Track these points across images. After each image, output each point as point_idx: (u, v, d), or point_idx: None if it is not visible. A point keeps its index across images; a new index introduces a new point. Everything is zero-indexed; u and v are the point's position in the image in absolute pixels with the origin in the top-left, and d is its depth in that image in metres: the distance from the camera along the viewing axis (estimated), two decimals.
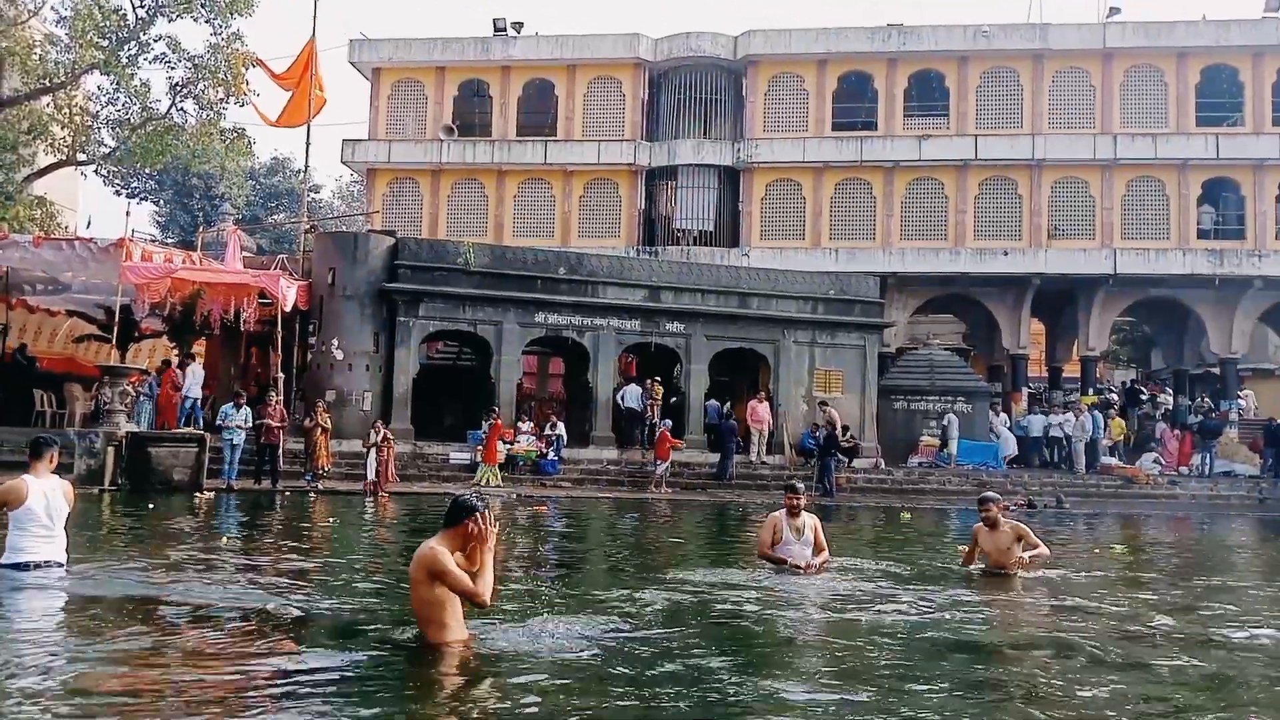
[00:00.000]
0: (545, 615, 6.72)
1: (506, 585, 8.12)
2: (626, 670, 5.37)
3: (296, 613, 6.71)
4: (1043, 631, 7.19)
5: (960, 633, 6.85)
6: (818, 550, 9.07)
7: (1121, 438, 25.89)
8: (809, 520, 9.08)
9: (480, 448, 20.55)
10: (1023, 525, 9.39)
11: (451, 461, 21.27)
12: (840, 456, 22.10)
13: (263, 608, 6.81)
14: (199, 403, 20.70)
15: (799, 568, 8.84)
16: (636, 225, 30.60)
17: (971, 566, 9.51)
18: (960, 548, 11.63)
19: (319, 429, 18.48)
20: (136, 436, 17.05)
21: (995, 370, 31.57)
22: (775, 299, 24.22)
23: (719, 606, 7.51)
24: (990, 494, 9.67)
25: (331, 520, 13.87)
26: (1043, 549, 9.20)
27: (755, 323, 24.03)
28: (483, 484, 19.28)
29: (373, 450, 18.37)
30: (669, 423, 22.00)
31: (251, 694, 4.77)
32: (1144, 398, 29.98)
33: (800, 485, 9.43)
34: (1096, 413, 25.84)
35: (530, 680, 5.04)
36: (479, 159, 31.10)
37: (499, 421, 20.34)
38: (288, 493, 17.23)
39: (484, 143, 31.25)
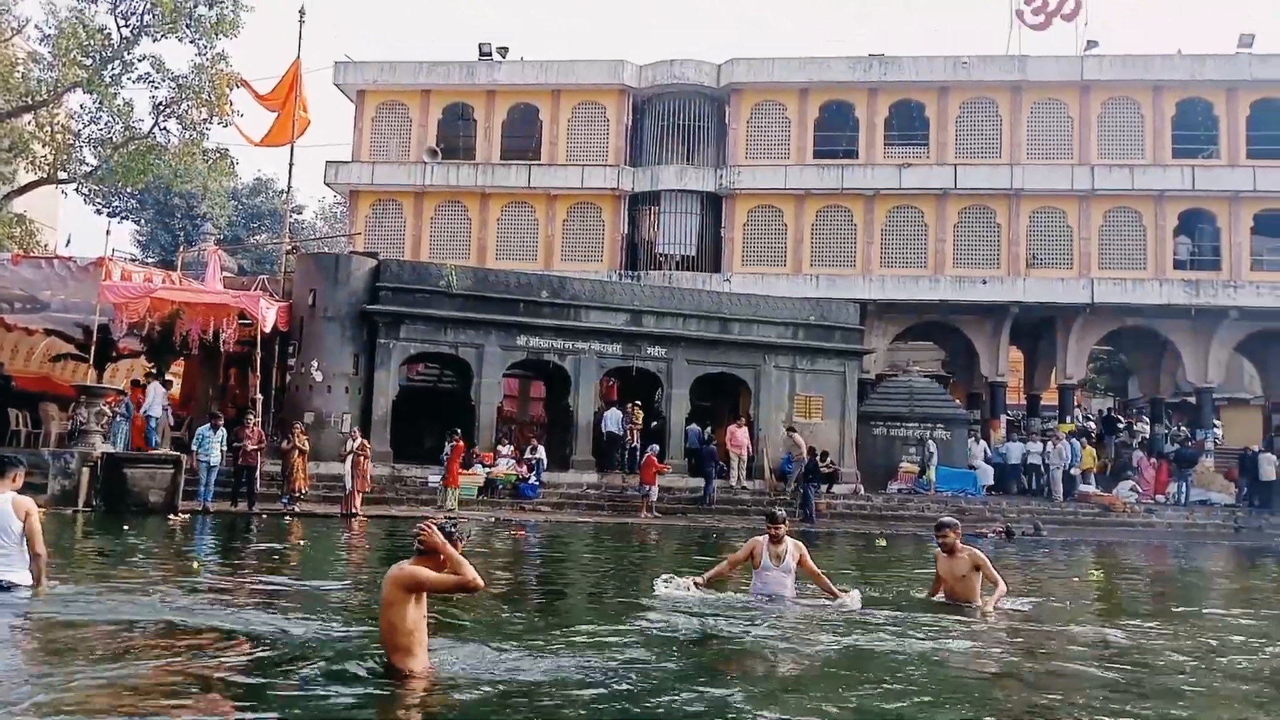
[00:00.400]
0: (509, 643, 6.69)
1: (476, 611, 8.10)
2: (586, 698, 5.35)
3: (263, 636, 6.66)
4: (1020, 659, 7.21)
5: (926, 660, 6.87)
6: (809, 575, 9.08)
7: (1093, 466, 26.01)
8: (791, 547, 9.05)
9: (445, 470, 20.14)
10: (981, 554, 9.17)
11: (430, 484, 21.13)
12: (819, 483, 22.13)
13: (228, 630, 6.76)
14: (158, 421, 20.40)
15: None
16: (619, 250, 30.70)
17: (937, 597, 9.37)
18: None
19: (296, 451, 18.38)
20: (112, 457, 16.89)
21: (974, 398, 31.76)
22: (756, 324, 24.31)
23: (688, 632, 7.50)
24: (948, 519, 9.46)
25: (303, 543, 13.77)
26: (1001, 585, 8.97)
27: (736, 348, 24.11)
28: (446, 508, 18.82)
29: (349, 460, 18.23)
30: (656, 448, 21.97)
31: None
32: (1121, 426, 30.24)
33: (780, 513, 9.35)
34: (1074, 441, 26.02)
35: (490, 710, 5.02)
36: (463, 182, 31.17)
37: (460, 444, 19.80)
38: (264, 515, 17.10)
39: (468, 166, 31.33)
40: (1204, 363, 28.76)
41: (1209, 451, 27.79)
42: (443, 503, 19.27)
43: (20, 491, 7.56)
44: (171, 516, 15.70)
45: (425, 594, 5.38)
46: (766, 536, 9.12)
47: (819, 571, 9.14)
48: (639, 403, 23.74)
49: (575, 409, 23.08)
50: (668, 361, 23.69)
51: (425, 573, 5.28)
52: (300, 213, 52.88)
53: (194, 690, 5.20)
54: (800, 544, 9.20)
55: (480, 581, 5.35)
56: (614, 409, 23.85)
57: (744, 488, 22.96)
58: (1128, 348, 33.59)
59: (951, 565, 9.08)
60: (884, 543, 17.60)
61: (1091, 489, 25.07)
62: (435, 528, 5.44)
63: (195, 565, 10.68)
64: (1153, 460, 26.68)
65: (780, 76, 30.27)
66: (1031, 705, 5.84)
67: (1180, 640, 8.25)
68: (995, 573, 8.99)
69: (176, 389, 23.69)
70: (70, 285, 20.24)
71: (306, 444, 18.74)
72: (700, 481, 22.34)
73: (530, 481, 21.46)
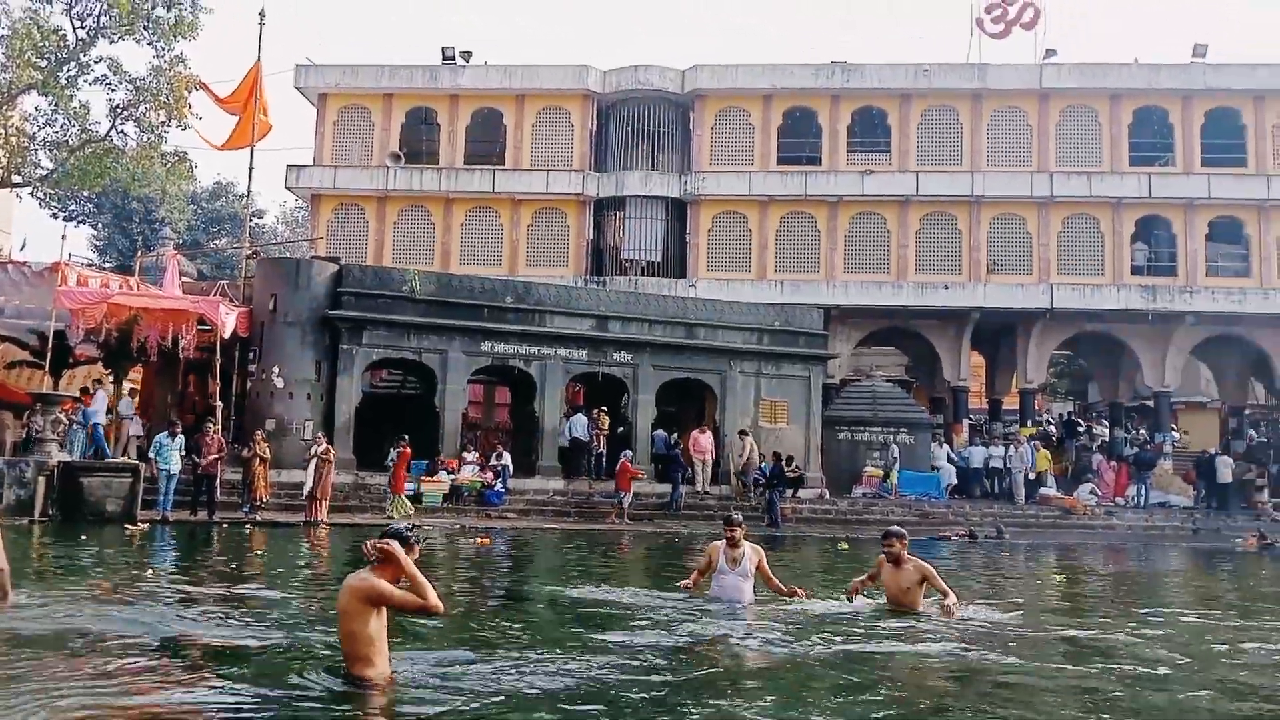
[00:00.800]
0: (470, 652, 6.63)
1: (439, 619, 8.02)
2: (548, 707, 5.31)
3: (220, 645, 6.56)
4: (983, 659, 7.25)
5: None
6: (763, 579, 9.12)
7: (1049, 469, 26.27)
8: (748, 551, 9.11)
9: (393, 479, 19.58)
10: (928, 566, 8.98)
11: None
12: (784, 488, 22.20)
13: (181, 638, 6.65)
14: (101, 428, 20.06)
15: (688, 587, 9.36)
16: (584, 255, 30.65)
17: (857, 599, 9.19)
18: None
19: (257, 459, 18.14)
20: (68, 466, 16.60)
21: (937, 402, 32.04)
22: (721, 330, 24.37)
23: (650, 637, 7.48)
24: (896, 529, 9.22)
25: (262, 553, 13.60)
26: (951, 595, 8.80)
27: (702, 353, 24.14)
28: (394, 516, 18.40)
29: (313, 464, 18.00)
30: (630, 453, 21.93)
31: None
32: (1081, 430, 30.63)
33: (737, 517, 9.41)
34: (1035, 444, 26.31)
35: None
36: (426, 186, 30.97)
37: (407, 450, 19.45)
38: (225, 524, 16.87)
39: (431, 170, 31.14)
40: (1161, 367, 29.20)
41: (1167, 454, 28.21)
42: (390, 510, 18.92)
43: None
44: (129, 526, 15.42)
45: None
46: (725, 540, 9.15)
47: (771, 575, 9.23)
48: (605, 408, 23.70)
49: (541, 415, 22.99)
50: (633, 367, 23.67)
51: (386, 587, 5.20)
52: (261, 217, 52.37)
53: (145, 703, 5.10)
54: (759, 548, 9.28)
55: (441, 606, 5.28)
56: (580, 415, 23.78)
57: (708, 493, 22.96)
58: (1087, 352, 34.04)
59: (898, 576, 8.88)
60: (846, 545, 17.68)
61: (1052, 492, 25.36)
62: (392, 537, 5.39)
63: (151, 574, 10.49)
64: (1112, 463, 27.06)
65: (744, 83, 30.39)
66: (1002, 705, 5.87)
67: (1149, 641, 8.34)
68: (944, 584, 8.87)
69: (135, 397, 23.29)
70: (25, 291, 19.88)
71: (268, 452, 18.50)
72: (667, 487, 22.32)
73: (496, 488, 21.33)
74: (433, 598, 5.22)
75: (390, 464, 19.49)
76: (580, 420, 23.51)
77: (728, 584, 9.01)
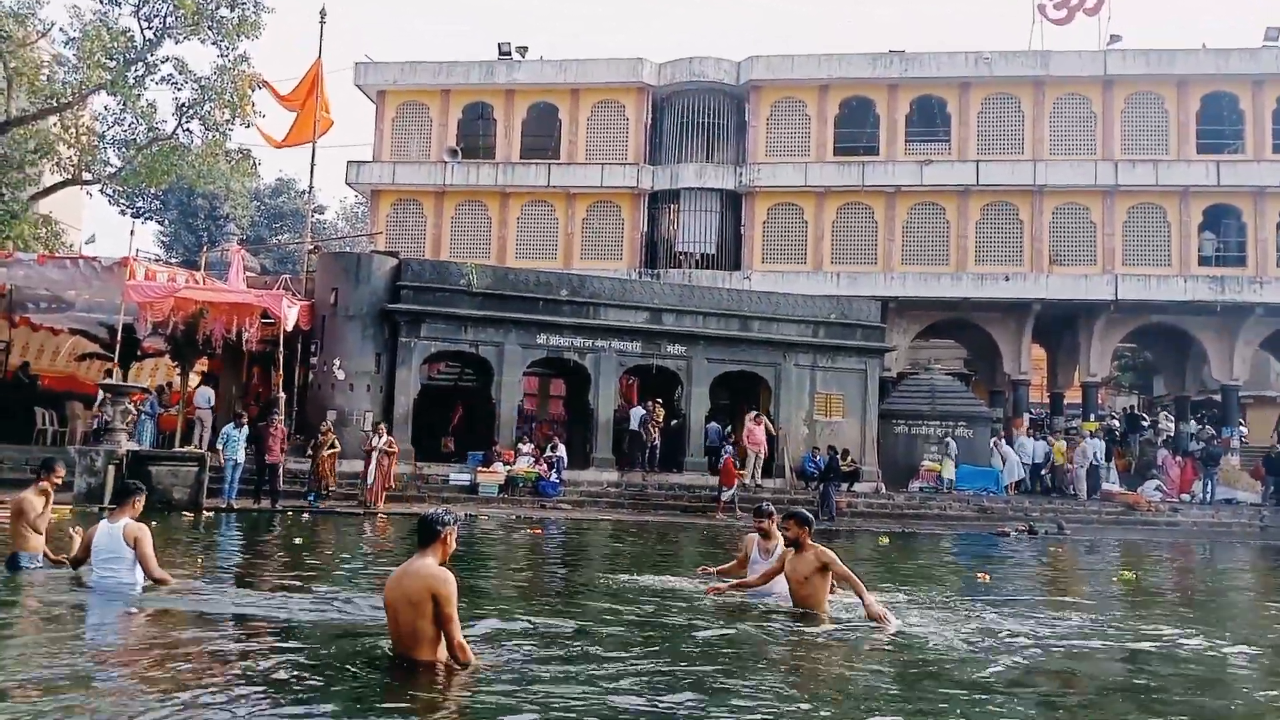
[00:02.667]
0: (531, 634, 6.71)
1: (499, 604, 8.12)
2: (617, 690, 5.36)
3: (282, 626, 6.73)
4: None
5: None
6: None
7: (1063, 462, 25.69)
8: (782, 543, 8.84)
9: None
10: (829, 552, 7.88)
11: (452, 482, 21.24)
12: (840, 481, 22.07)
13: (249, 619, 6.84)
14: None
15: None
16: (639, 248, 30.70)
17: (725, 585, 8.62)
18: (981, 576, 11.62)
19: (325, 448, 18.44)
20: (137, 455, 17.05)
21: (996, 396, 31.56)
22: (776, 322, 24.25)
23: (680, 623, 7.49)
24: (766, 506, 8.71)
25: (326, 539, 13.83)
26: (868, 596, 7.69)
27: (756, 346, 24.06)
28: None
29: (375, 455, 18.26)
30: (731, 449, 22.09)
31: (236, 700, 4.77)
32: (1145, 424, 29.99)
33: (767, 507, 8.95)
34: (1098, 439, 25.81)
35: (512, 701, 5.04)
36: (483, 181, 31.26)
37: (391, 439, 19.02)
38: (289, 513, 17.20)
39: (488, 165, 31.41)
40: (1229, 360, 28.48)
41: (1235, 450, 27.52)
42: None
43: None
44: (185, 514, 15.74)
45: None
46: (757, 532, 8.98)
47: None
48: (660, 400, 23.74)
49: (595, 407, 23.11)
50: (687, 360, 23.68)
51: (455, 609, 5.29)
52: (322, 213, 53.22)
53: (218, 676, 5.24)
54: (824, 550, 8.95)
55: (473, 661, 5.38)
56: (637, 407, 23.89)
57: (760, 486, 22.86)
58: (1152, 345, 33.30)
59: (795, 564, 7.90)
60: (886, 540, 17.53)
61: (1116, 488, 24.88)
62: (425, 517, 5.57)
63: (199, 562, 10.73)
64: (1178, 459, 26.46)
65: (800, 73, 30.18)
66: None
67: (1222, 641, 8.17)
68: (847, 569, 7.84)
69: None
70: (95, 285, 20.44)
71: (337, 443, 18.81)
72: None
73: (551, 479, 21.49)
74: (469, 654, 5.41)
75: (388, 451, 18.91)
76: (637, 412, 23.61)
77: (757, 573, 8.87)
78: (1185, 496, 25.24)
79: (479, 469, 21.26)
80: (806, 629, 7.43)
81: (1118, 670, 6.94)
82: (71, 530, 8.58)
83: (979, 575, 12.09)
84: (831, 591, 8.06)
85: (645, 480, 22.56)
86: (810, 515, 8.17)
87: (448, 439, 24.38)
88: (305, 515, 17.14)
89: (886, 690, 5.80)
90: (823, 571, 7.74)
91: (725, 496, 21.13)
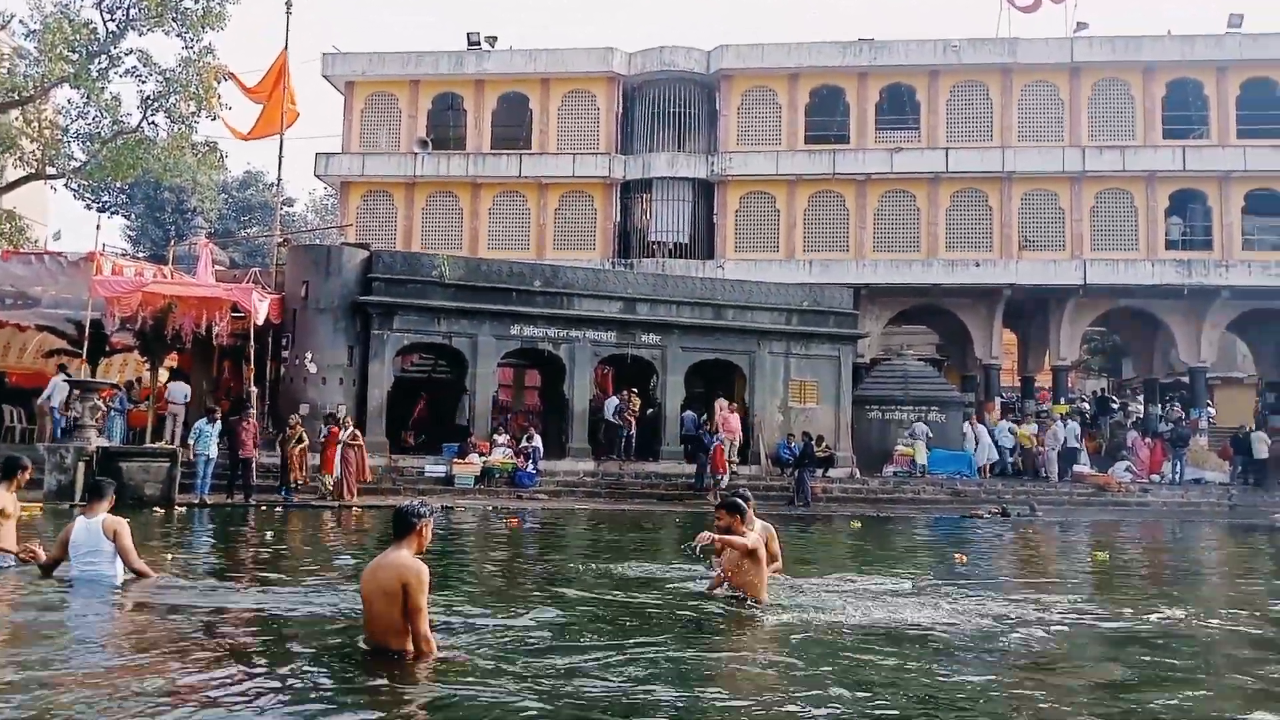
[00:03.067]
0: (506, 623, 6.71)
1: (472, 588, 8.11)
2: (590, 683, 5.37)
3: (255, 619, 6.69)
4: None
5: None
6: (770, 559, 8.78)
7: (1028, 443, 25.98)
8: (759, 529, 8.49)
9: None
10: (752, 536, 7.66)
11: (427, 474, 21.17)
12: (815, 467, 22.18)
13: (219, 611, 6.80)
14: (58, 410, 20.31)
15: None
16: (611, 238, 30.67)
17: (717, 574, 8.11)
18: (959, 556, 11.75)
19: (295, 442, 18.35)
20: (107, 451, 16.87)
21: (968, 380, 31.82)
22: (750, 310, 24.32)
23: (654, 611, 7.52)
24: (744, 492, 8.56)
25: (300, 532, 13.76)
26: (761, 557, 7.62)
27: (730, 334, 24.11)
28: (323, 493, 18.42)
29: (339, 448, 18.07)
30: (722, 437, 22.10)
31: (209, 688, 4.74)
32: (1115, 406, 30.34)
33: (736, 501, 8.09)
34: (1070, 421, 26.07)
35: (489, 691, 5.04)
36: (453, 172, 31.10)
37: (335, 429, 18.82)
38: (263, 507, 17.08)
39: (458, 156, 31.26)
40: (1197, 342, 28.86)
41: (1203, 430, 27.89)
42: (323, 490, 18.59)
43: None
44: (155, 510, 15.59)
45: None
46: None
47: (776, 555, 8.69)
48: (635, 390, 23.74)
49: (570, 397, 23.08)
50: (662, 349, 23.70)
51: (425, 600, 5.28)
52: (291, 205, 52.79)
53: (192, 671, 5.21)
54: (769, 526, 8.77)
55: (435, 653, 5.37)
56: (612, 397, 23.88)
57: (736, 473, 22.91)
58: (1121, 328, 33.68)
59: (729, 553, 7.70)
60: (858, 524, 17.66)
61: (1086, 469, 25.15)
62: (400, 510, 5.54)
63: (170, 558, 10.61)
64: (1147, 440, 26.78)
65: (770, 62, 30.22)
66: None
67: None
68: (759, 547, 7.59)
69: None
70: (61, 281, 20.19)
71: (305, 436, 18.70)
72: (695, 467, 22.34)
73: (527, 470, 21.47)
74: (431, 646, 5.38)
75: (321, 441, 18.94)
76: (611, 403, 23.61)
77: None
78: (1155, 477, 25.57)
79: (454, 460, 21.20)
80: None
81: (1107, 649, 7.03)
82: (37, 548, 8.29)
83: (956, 556, 12.20)
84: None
85: (621, 469, 22.57)
86: (740, 502, 7.81)
87: (408, 433, 24.20)
88: (279, 509, 17.04)
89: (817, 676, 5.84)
90: (752, 557, 7.50)
91: (724, 483, 21.04)
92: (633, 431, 23.33)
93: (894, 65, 29.84)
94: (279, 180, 27.99)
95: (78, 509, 11.73)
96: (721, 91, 30.70)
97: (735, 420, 23.18)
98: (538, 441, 22.21)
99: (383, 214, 31.57)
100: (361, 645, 5.61)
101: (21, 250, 22.51)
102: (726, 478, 21.26)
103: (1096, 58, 29.27)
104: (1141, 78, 29.29)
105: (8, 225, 25.84)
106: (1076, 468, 25.10)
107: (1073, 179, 29.12)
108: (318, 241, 32.35)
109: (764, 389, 24.18)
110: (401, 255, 23.73)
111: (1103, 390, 37.72)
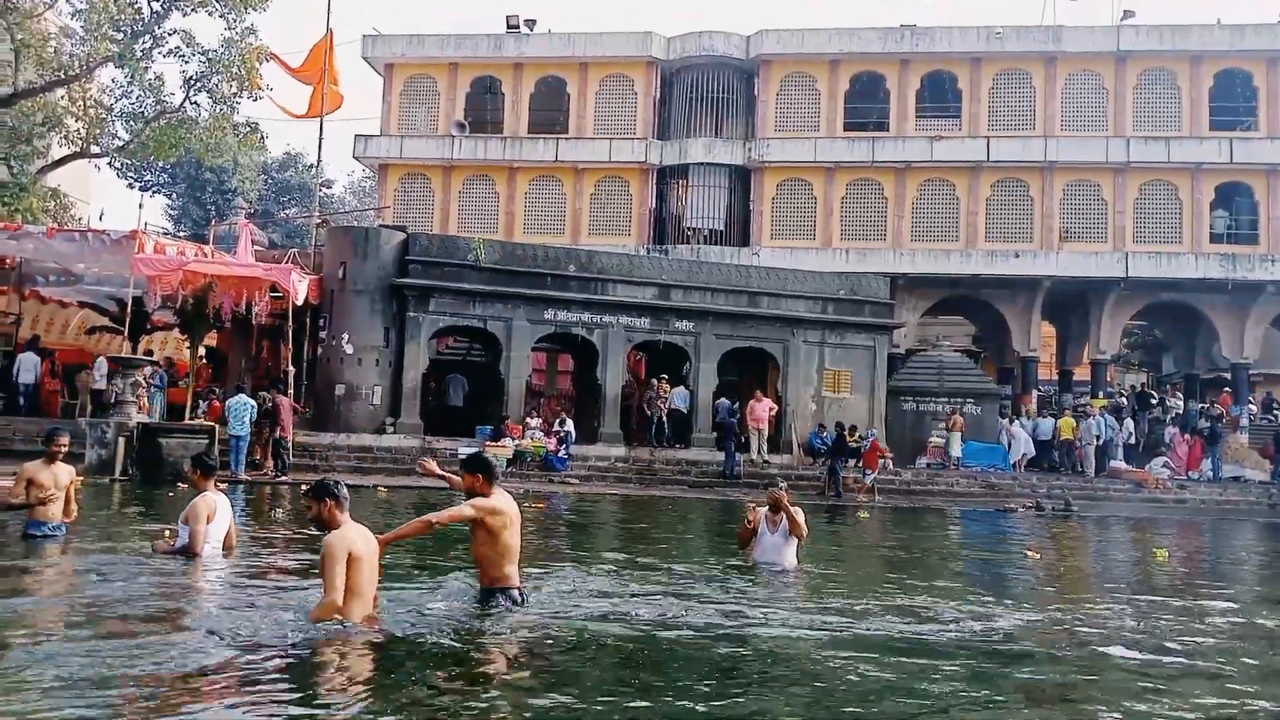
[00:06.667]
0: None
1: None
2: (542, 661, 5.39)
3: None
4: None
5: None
6: (794, 532, 9.08)
7: (1071, 436, 25.59)
8: (785, 512, 9.18)
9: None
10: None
11: (460, 456, 21.24)
12: (847, 458, 22.06)
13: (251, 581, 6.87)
14: (30, 388, 21.25)
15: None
16: (647, 223, 30.61)
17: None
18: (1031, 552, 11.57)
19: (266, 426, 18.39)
20: (147, 427, 17.13)
21: (1005, 373, 31.48)
22: (785, 298, 24.20)
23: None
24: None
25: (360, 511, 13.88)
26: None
27: (765, 322, 24.02)
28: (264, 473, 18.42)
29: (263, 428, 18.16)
30: (875, 432, 22.22)
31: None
32: (1154, 402, 29.89)
33: (782, 484, 9.46)
34: (1108, 416, 25.73)
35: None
36: (490, 155, 31.16)
37: (283, 400, 18.72)
38: (301, 486, 17.26)
39: (495, 139, 31.31)
40: (1239, 338, 28.38)
41: (1244, 428, 27.44)
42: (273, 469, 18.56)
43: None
44: (180, 484, 15.81)
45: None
46: (769, 506, 9.32)
47: (800, 527, 9.12)
48: (666, 377, 23.72)
49: (603, 382, 23.12)
50: (695, 335, 23.65)
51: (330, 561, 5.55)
52: (330, 187, 53.11)
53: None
54: (799, 508, 9.34)
55: (323, 612, 5.49)
56: (680, 388, 23.69)
57: (766, 461, 22.86)
58: (1162, 323, 33.19)
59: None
60: (866, 515, 17.56)
61: (1123, 465, 24.82)
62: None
63: (168, 533, 10.64)
64: (1186, 436, 26.37)
65: (810, 48, 29.97)
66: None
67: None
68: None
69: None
70: (104, 258, 20.48)
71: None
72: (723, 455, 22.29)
73: (559, 454, 21.54)
74: (327, 600, 5.58)
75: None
76: (680, 392, 23.54)
77: (768, 546, 9.22)
78: (1193, 474, 25.19)
79: (487, 443, 21.30)
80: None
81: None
82: (166, 533, 8.53)
83: (1028, 551, 12.04)
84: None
85: (653, 455, 22.59)
86: (485, 460, 7.23)
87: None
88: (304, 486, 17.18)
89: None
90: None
91: (868, 479, 21.25)
92: (663, 418, 23.28)
93: (936, 52, 29.49)
94: (318, 161, 28.26)
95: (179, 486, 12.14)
96: (760, 77, 30.50)
97: (763, 409, 23.05)
98: (570, 426, 22.27)
99: (420, 197, 31.70)
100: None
101: (65, 228, 22.82)
102: (875, 474, 21.31)
103: (1143, 46, 28.77)
104: (1189, 67, 28.75)
105: (52, 203, 26.24)
106: (1113, 463, 24.79)
107: (1116, 170, 28.68)
108: (355, 223, 32.55)
109: (798, 378, 24.08)
110: (438, 238, 23.83)
111: (1142, 385, 37.14)
